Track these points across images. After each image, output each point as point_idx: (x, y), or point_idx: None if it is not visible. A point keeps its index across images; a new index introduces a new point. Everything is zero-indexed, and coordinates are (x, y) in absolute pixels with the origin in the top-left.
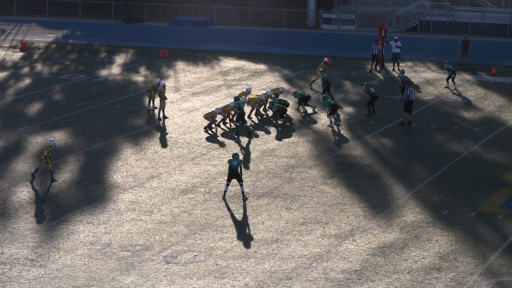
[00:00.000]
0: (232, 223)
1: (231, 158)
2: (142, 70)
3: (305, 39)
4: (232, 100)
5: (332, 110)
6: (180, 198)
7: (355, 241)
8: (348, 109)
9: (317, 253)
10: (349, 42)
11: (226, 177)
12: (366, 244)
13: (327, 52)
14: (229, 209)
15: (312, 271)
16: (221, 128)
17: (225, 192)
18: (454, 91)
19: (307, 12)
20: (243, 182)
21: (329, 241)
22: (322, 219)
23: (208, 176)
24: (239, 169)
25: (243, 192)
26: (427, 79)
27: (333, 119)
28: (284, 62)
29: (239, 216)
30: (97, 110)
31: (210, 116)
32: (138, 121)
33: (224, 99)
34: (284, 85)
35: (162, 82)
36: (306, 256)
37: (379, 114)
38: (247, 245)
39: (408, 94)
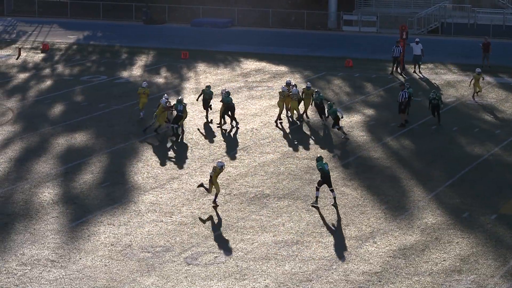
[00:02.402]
0: (252, 224)
1: (321, 162)
2: (163, 72)
3: (326, 40)
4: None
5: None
6: (200, 200)
7: (375, 243)
8: (369, 111)
9: (337, 255)
10: (370, 44)
11: (246, 179)
12: (387, 246)
13: (348, 53)
14: (322, 218)
15: (332, 273)
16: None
17: (316, 197)
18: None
19: (328, 13)
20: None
21: (349, 243)
22: (343, 221)
23: (228, 177)
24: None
25: (335, 198)
26: (448, 81)
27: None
28: (305, 63)
29: (259, 218)
30: (118, 111)
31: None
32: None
33: (244, 100)
34: (305, 87)
35: (164, 98)
36: (327, 258)
37: (398, 116)
38: (267, 246)
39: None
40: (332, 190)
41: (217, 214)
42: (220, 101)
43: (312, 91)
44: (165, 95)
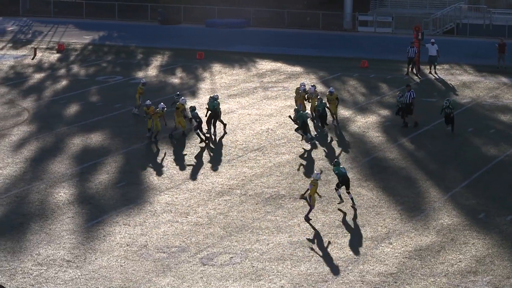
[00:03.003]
0: (268, 225)
1: (337, 167)
2: (179, 72)
3: (341, 41)
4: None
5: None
6: (216, 200)
7: (391, 243)
8: (384, 112)
9: (353, 256)
10: (385, 45)
11: (262, 180)
12: (403, 247)
13: (363, 54)
14: (339, 218)
15: (348, 273)
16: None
17: (340, 197)
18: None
19: (343, 14)
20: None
21: (365, 243)
22: (358, 221)
23: (244, 178)
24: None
25: (352, 199)
26: (464, 81)
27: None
28: (320, 64)
29: (275, 218)
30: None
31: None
32: (174, 123)
33: (260, 101)
34: (320, 87)
35: (183, 98)
36: (342, 258)
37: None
38: (283, 247)
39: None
40: (348, 193)
41: (313, 228)
42: (206, 108)
43: (335, 95)
44: (162, 103)
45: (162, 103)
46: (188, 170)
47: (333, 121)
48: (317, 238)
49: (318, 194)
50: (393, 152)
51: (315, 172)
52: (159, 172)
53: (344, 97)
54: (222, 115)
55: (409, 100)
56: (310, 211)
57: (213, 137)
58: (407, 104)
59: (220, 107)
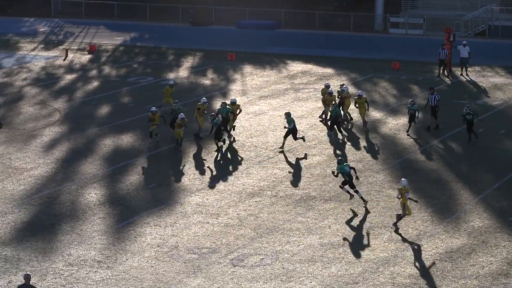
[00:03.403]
0: (298, 226)
1: (341, 165)
2: (210, 73)
3: (372, 43)
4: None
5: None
6: (247, 201)
7: (422, 246)
8: (418, 114)
9: (384, 258)
10: (416, 46)
11: (293, 181)
12: (433, 249)
13: (394, 56)
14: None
15: (379, 275)
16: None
17: (349, 192)
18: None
19: (374, 16)
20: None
21: (396, 245)
22: (389, 223)
23: (275, 179)
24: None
25: (362, 198)
26: (495, 84)
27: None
28: (352, 65)
29: (306, 220)
30: (165, 112)
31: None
32: (206, 124)
33: (291, 102)
34: (351, 89)
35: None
36: (373, 260)
37: (444, 119)
38: (313, 248)
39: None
40: (356, 191)
41: (401, 236)
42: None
43: (364, 99)
44: (181, 114)
45: (182, 114)
46: (219, 171)
47: (363, 125)
48: (348, 239)
49: (414, 200)
50: (424, 154)
51: (402, 179)
52: (190, 173)
53: (375, 98)
54: (236, 119)
55: (433, 103)
56: (400, 219)
57: (226, 142)
58: (431, 107)
59: (230, 113)
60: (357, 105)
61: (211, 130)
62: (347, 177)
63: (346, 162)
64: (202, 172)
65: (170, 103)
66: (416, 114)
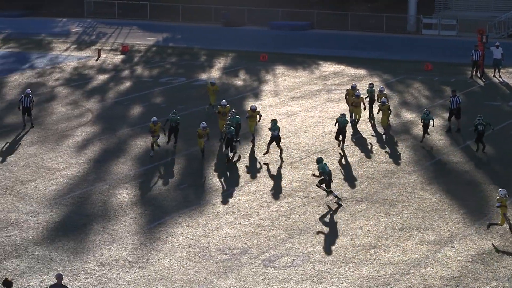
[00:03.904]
0: (330, 227)
1: (321, 164)
2: (242, 74)
3: (405, 44)
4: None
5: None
6: (278, 202)
7: (454, 247)
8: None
9: (415, 259)
10: (449, 48)
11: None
12: (465, 250)
13: (427, 57)
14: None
15: (410, 277)
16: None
17: (332, 193)
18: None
19: (407, 17)
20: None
21: (427, 247)
22: (421, 225)
23: (306, 180)
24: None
25: (337, 197)
26: None
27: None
28: (384, 67)
29: (337, 221)
30: (197, 113)
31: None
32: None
33: (323, 103)
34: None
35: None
36: (405, 262)
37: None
38: (345, 250)
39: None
40: (330, 192)
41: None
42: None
43: (387, 106)
44: (203, 123)
45: (203, 122)
46: (251, 172)
47: (384, 132)
48: (379, 240)
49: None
50: (456, 156)
51: (500, 189)
52: (221, 174)
53: (408, 100)
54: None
55: (455, 105)
56: (496, 225)
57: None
58: (451, 110)
59: (250, 119)
60: (380, 113)
61: (224, 138)
62: (327, 176)
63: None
64: (235, 173)
65: (214, 102)
66: (431, 123)
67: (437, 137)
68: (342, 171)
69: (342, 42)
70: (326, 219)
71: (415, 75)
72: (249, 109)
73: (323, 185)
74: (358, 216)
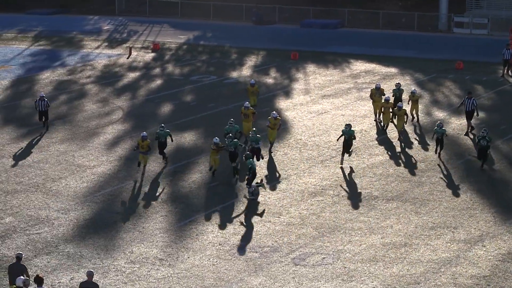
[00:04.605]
0: (360, 226)
1: (250, 160)
2: (272, 72)
3: (436, 42)
4: None
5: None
6: (309, 201)
7: (484, 246)
8: (480, 114)
9: (446, 258)
10: (481, 46)
11: (355, 180)
12: (496, 250)
13: (458, 55)
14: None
15: (440, 276)
16: None
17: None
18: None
19: (439, 15)
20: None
21: (458, 246)
22: (452, 224)
23: (337, 178)
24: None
25: (251, 193)
26: None
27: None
28: (415, 65)
29: (368, 219)
30: (228, 111)
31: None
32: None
33: (354, 101)
34: (415, 89)
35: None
36: (435, 260)
37: (508, 120)
38: (375, 248)
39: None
40: (250, 186)
41: None
42: (224, 135)
43: (404, 111)
44: (216, 138)
45: (216, 138)
46: (281, 170)
47: (399, 137)
48: (410, 239)
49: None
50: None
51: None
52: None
53: (439, 98)
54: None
55: (470, 108)
56: None
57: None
58: (467, 112)
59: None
60: (395, 117)
61: (247, 143)
62: (250, 173)
63: (253, 159)
64: (265, 171)
65: (255, 102)
66: (443, 136)
67: (468, 136)
68: (373, 170)
69: (373, 40)
70: (357, 218)
71: (446, 73)
72: (269, 116)
73: (252, 182)
74: (388, 215)
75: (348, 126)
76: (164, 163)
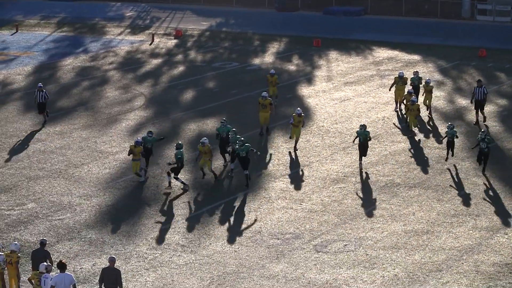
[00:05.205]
0: (382, 213)
1: (180, 150)
2: (295, 59)
3: (459, 30)
4: None
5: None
6: (331, 187)
7: (506, 234)
8: (502, 101)
9: (468, 246)
10: (504, 34)
11: (377, 168)
12: None
13: (481, 43)
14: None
15: (462, 263)
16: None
17: (170, 183)
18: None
19: (462, 2)
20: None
21: (480, 233)
22: (474, 211)
23: (359, 165)
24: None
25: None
26: None
27: None
28: (438, 52)
29: (390, 207)
30: (250, 98)
31: None
32: (291, 110)
33: (376, 89)
34: (438, 76)
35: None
36: (457, 248)
37: None
38: (397, 236)
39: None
40: (177, 178)
41: None
42: (216, 135)
43: (417, 105)
44: (204, 138)
45: (205, 138)
46: (304, 157)
47: (410, 132)
48: (432, 227)
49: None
50: (510, 142)
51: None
52: (274, 159)
53: (462, 86)
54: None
55: (481, 96)
56: None
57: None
58: (478, 101)
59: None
60: (408, 111)
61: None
62: (180, 163)
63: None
64: (287, 158)
65: (274, 93)
66: (454, 137)
67: (491, 123)
68: (395, 157)
69: (396, 27)
70: (379, 205)
71: (469, 61)
72: (294, 114)
73: (173, 173)
74: (410, 202)
75: (363, 127)
76: (144, 174)
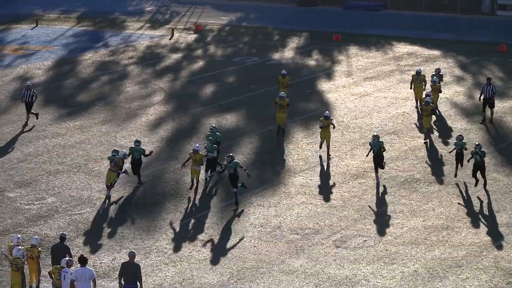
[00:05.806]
0: (402, 209)
1: (137, 146)
2: (315, 54)
3: (479, 25)
4: None
5: None
6: (350, 183)
7: None
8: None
9: (488, 241)
10: None
11: (397, 163)
12: None
13: (502, 38)
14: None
15: (482, 259)
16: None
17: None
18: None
19: None
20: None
21: (500, 229)
22: (494, 207)
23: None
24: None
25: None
26: None
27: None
28: (458, 48)
29: (409, 202)
30: (270, 93)
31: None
32: (310, 105)
33: (396, 84)
34: (458, 71)
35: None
36: (477, 244)
37: None
38: (417, 231)
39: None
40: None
41: None
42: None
43: (431, 107)
44: (197, 144)
45: (197, 145)
46: (323, 152)
47: (425, 135)
48: (452, 223)
49: None
50: None
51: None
52: (294, 154)
53: (482, 81)
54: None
55: (489, 95)
56: None
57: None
58: (486, 99)
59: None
60: (422, 112)
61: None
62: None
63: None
64: (306, 153)
65: (285, 93)
66: (463, 149)
67: (511, 119)
68: (414, 153)
69: (416, 22)
70: (399, 200)
71: (489, 56)
72: (321, 117)
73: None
74: (430, 198)
75: (376, 137)
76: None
